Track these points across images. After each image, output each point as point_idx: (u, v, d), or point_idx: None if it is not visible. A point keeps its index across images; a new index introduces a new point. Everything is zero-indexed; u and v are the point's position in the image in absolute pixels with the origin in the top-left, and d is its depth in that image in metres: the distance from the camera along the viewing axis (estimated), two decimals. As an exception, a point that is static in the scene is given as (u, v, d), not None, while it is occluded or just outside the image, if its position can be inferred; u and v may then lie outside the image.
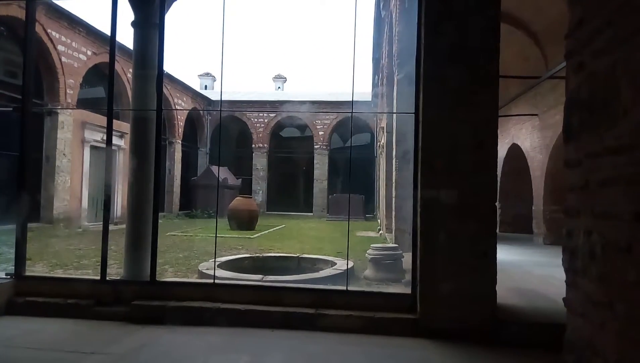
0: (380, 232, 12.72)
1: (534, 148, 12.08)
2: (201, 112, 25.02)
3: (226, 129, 28.35)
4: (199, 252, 8.84)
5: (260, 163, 26.19)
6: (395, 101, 8.41)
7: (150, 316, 4.29)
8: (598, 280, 0.87)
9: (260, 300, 4.44)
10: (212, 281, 4.69)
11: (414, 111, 4.46)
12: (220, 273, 5.25)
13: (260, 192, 25.43)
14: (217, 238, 7.51)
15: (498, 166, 10.39)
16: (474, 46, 4.13)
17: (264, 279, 5.22)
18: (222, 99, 27.45)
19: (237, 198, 15.66)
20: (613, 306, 0.84)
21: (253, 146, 26.60)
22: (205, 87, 35.70)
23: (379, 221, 18.56)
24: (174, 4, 5.14)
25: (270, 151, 26.80)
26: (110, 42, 4.55)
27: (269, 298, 4.46)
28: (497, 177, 4.20)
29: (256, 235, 12.74)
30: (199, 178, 22.16)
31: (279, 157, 27.95)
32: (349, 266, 6.12)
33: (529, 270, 6.98)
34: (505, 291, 4.07)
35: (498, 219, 11.41)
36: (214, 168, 22.20)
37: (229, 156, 27.75)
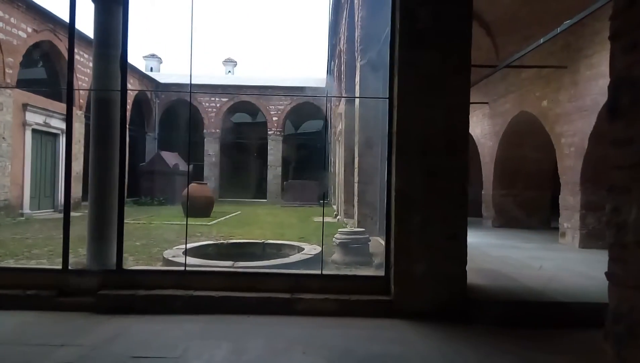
0: (337, 217, 12.84)
1: (485, 135, 12.57)
2: (149, 95, 24.05)
3: (175, 113, 27.46)
4: (156, 240, 8.57)
5: (212, 148, 25.63)
6: (357, 87, 8.44)
7: (118, 306, 4.12)
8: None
9: (234, 287, 4.37)
10: (182, 268, 4.56)
11: (387, 97, 4.49)
12: (189, 260, 5.11)
13: (213, 178, 24.92)
14: (174, 226, 7.30)
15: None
16: (448, 32, 4.21)
17: (234, 265, 5.14)
18: (171, 82, 26.58)
19: (192, 184, 15.29)
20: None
21: (205, 131, 25.94)
22: (151, 69, 34.28)
23: (334, 206, 18.72)
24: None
25: (222, 137, 26.24)
26: (69, 18, 4.24)
27: (243, 284, 4.40)
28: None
29: (213, 222, 12.51)
30: (148, 163, 21.41)
31: (231, 143, 27.44)
32: (316, 252, 6.14)
33: (485, 251, 7.31)
34: (470, 272, 4.24)
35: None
36: (165, 154, 21.53)
37: (179, 142, 26.94)
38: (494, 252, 7.29)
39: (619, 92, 1.07)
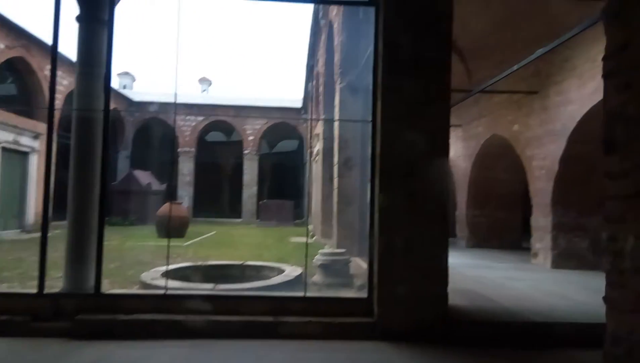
0: (314, 238, 12.83)
1: (458, 157, 12.87)
2: (122, 113, 23.72)
3: (149, 131, 27.13)
4: (131, 262, 8.36)
5: (186, 167, 25.35)
6: (337, 109, 8.57)
7: (97, 331, 4.01)
8: (657, 279, 0.99)
9: (217, 310, 4.32)
10: (162, 292, 4.47)
11: (370, 120, 4.59)
12: (168, 283, 5.02)
13: (187, 198, 24.58)
14: (148, 247, 7.16)
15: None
16: (428, 60, 4.35)
17: (216, 288, 5.07)
18: (145, 100, 26.31)
19: (167, 204, 15.06)
20: (678, 302, 0.96)
21: (179, 149, 25.66)
22: (125, 86, 33.89)
23: (310, 226, 18.70)
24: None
25: (197, 156, 25.99)
26: (53, 38, 4.20)
27: (226, 308, 4.34)
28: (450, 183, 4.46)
29: (188, 243, 12.30)
30: (120, 183, 20.96)
31: (206, 162, 27.20)
32: (297, 273, 6.13)
33: (461, 272, 7.42)
34: (449, 292, 4.32)
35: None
36: (137, 173, 21.13)
37: (152, 160, 26.54)
38: (470, 272, 7.41)
39: (614, 128, 1.15)
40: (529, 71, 8.77)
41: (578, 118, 7.47)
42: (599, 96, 6.92)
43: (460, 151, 12.74)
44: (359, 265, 6.67)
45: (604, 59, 1.21)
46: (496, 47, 9.77)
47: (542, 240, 8.53)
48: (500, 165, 11.50)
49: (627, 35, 1.13)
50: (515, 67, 7.00)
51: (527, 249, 9.58)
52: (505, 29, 9.20)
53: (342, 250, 6.60)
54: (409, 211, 4.27)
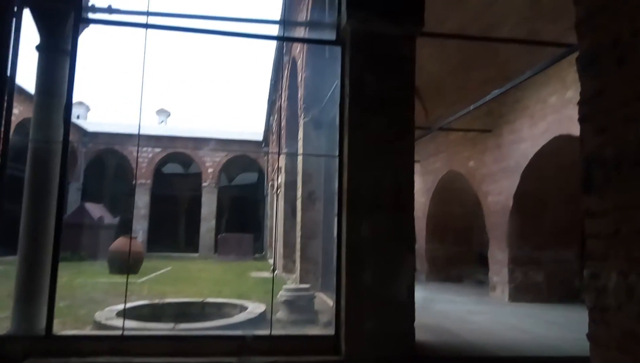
0: (275, 272, 12.62)
1: (417, 192, 13.12)
2: (75, 144, 22.92)
3: (102, 163, 26.32)
4: (82, 300, 7.91)
5: (142, 200, 24.58)
6: (301, 143, 8.64)
7: (46, 377, 3.72)
8: (641, 316, 1.03)
9: (178, 351, 4.11)
10: (119, 333, 4.24)
11: (337, 155, 4.64)
12: (124, 323, 4.75)
13: (141, 232, 23.73)
14: (100, 284, 6.82)
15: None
16: (393, 97, 4.48)
17: (176, 327, 4.85)
18: (100, 130, 25.60)
19: (120, 238, 14.47)
20: (665, 339, 1.00)
21: (134, 182, 24.93)
22: (78, 116, 32.93)
23: (270, 261, 18.43)
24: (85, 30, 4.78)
25: (153, 188, 25.31)
26: (10, 68, 4.03)
27: (187, 349, 4.15)
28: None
29: (143, 279, 11.80)
30: (71, 216, 20.02)
31: (162, 194, 26.51)
32: (260, 310, 5.98)
33: (424, 306, 7.47)
34: (415, 328, 4.33)
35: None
36: (89, 205, 20.31)
37: (105, 192, 25.63)
38: (432, 307, 7.48)
39: (592, 170, 1.22)
40: (482, 110, 9.17)
41: (530, 156, 7.85)
42: (549, 135, 7.33)
43: (419, 186, 13.05)
44: (324, 300, 6.59)
45: (579, 103, 1.28)
46: (451, 87, 10.23)
47: (499, 273, 8.75)
48: (457, 200, 11.85)
49: (601, 83, 1.21)
50: (471, 107, 7.33)
51: (484, 282, 9.79)
52: (459, 72, 9.68)
53: (307, 285, 6.51)
54: (377, 246, 4.29)
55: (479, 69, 8.97)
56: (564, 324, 6.31)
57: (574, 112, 6.06)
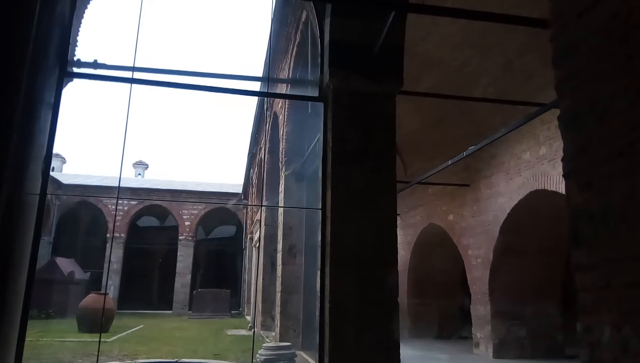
0: (252, 330, 12.20)
1: (398, 245, 13.16)
2: (49, 196, 22.41)
3: (75, 216, 25.68)
4: (48, 361, 7.46)
5: (115, 254, 23.87)
6: (282, 196, 8.63)
7: None
8: (637, 371, 1.03)
9: (150, 416, 3.87)
10: (88, 396, 3.97)
11: (320, 208, 4.64)
12: (93, 385, 4.48)
13: (113, 287, 22.87)
14: (67, 343, 6.47)
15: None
16: (375, 153, 4.58)
17: (149, 390, 4.58)
18: (74, 182, 25.21)
19: (91, 294, 13.92)
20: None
21: (108, 235, 24.28)
22: (53, 168, 32.46)
23: (247, 317, 17.86)
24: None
25: (127, 242, 24.68)
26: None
27: (161, 413, 3.91)
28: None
29: (113, 338, 11.23)
30: (40, 271, 19.22)
31: (136, 248, 25.82)
32: (239, 369, 5.72)
33: (407, 364, 7.28)
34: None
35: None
36: (59, 260, 19.60)
37: (77, 247, 24.84)
38: (416, 364, 7.29)
39: (579, 224, 1.25)
40: (459, 165, 9.42)
41: (508, 210, 8.00)
42: (525, 190, 7.53)
43: (399, 239, 13.05)
44: (305, 359, 6.36)
45: (563, 160, 1.33)
46: (428, 143, 10.53)
47: (482, 329, 8.65)
48: (438, 253, 11.86)
49: (583, 140, 1.27)
50: (449, 162, 7.51)
51: (467, 338, 9.64)
52: (436, 128, 10.01)
53: (287, 344, 6.29)
54: (360, 300, 4.22)
55: (455, 126, 9.29)
56: (549, 381, 6.21)
57: (548, 168, 6.29)
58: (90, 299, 13.36)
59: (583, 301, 1.22)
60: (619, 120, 1.11)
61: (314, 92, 5.12)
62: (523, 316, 8.33)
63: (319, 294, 4.46)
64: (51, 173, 23.22)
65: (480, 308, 8.75)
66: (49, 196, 21.80)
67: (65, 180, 24.37)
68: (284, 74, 8.71)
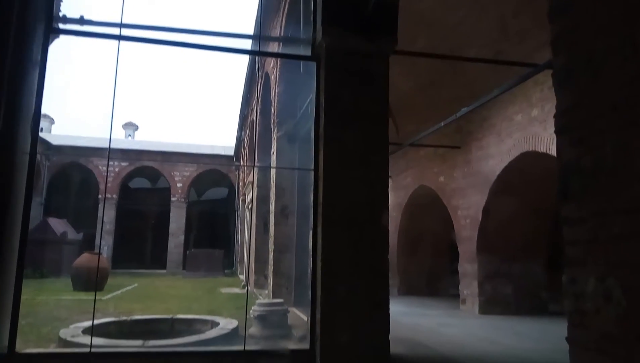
0: (245, 288, 12.45)
1: (388, 206, 13.30)
2: (38, 157, 22.18)
3: (66, 177, 25.52)
4: (45, 318, 7.59)
5: (107, 215, 23.88)
6: (274, 157, 8.63)
7: (7, 399, 3.55)
8: (620, 319, 1.08)
9: (148, 369, 4.00)
10: (86, 350, 4.08)
11: (312, 168, 4.66)
12: (89, 340, 4.58)
13: (106, 248, 23.03)
14: (63, 301, 6.58)
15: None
16: (368, 113, 4.56)
17: (145, 344, 4.71)
18: (64, 143, 24.87)
19: (85, 254, 14.00)
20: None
21: (99, 196, 24.22)
22: (42, 129, 31.95)
23: (241, 277, 18.17)
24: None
25: (119, 203, 24.67)
26: None
27: (158, 366, 4.04)
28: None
29: (108, 296, 11.43)
30: (32, 231, 19.25)
31: (129, 209, 25.85)
32: (233, 326, 5.88)
33: (396, 319, 7.43)
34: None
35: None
36: (52, 221, 19.60)
37: (68, 207, 24.82)
38: (405, 320, 7.51)
39: (569, 179, 1.27)
40: (451, 128, 9.41)
41: (498, 171, 8.08)
42: (516, 152, 7.58)
43: (391, 201, 13.13)
44: (297, 315, 6.54)
45: (556, 116, 1.35)
46: (421, 105, 10.47)
47: (469, 286, 8.90)
48: (428, 214, 12.03)
49: (577, 95, 1.28)
50: (441, 124, 7.51)
51: (455, 295, 9.93)
52: (429, 90, 9.93)
53: (280, 300, 6.45)
54: (352, 259, 4.31)
55: (448, 88, 9.22)
56: (533, 335, 6.46)
57: (539, 129, 6.31)
58: (84, 258, 13.48)
59: (570, 254, 1.27)
60: (614, 75, 1.12)
61: (307, 51, 5.03)
62: (509, 274, 8.57)
63: (311, 253, 4.54)
64: (40, 134, 22.78)
65: (468, 267, 8.97)
66: (38, 157, 21.63)
67: (54, 141, 24.01)
68: (276, 32, 8.52)
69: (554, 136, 1.39)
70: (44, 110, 31.31)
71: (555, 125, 1.34)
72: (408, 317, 7.84)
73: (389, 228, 4.32)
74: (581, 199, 1.22)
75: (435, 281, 12.18)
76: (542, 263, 8.85)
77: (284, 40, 7.70)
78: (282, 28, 7.88)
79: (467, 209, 9.11)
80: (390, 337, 4.32)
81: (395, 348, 4.92)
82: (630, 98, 1.08)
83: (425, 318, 7.82)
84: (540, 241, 8.86)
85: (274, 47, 8.90)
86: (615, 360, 1.09)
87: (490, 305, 8.42)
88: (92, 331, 4.42)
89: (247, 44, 9.28)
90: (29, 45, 4.33)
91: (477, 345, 5.70)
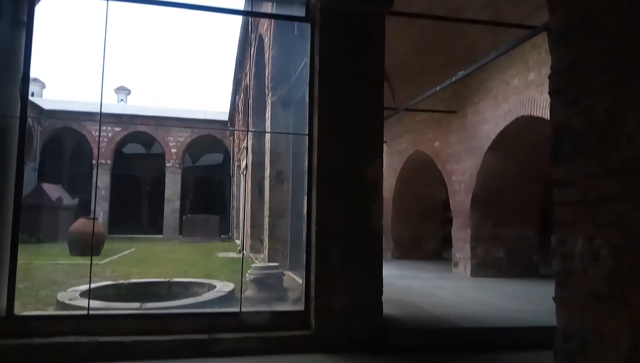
0: (241, 252, 12.60)
1: (384, 171, 13.32)
2: (30, 122, 21.90)
3: (60, 142, 25.31)
4: (43, 282, 7.68)
5: (102, 180, 23.82)
6: (269, 122, 8.56)
7: (9, 358, 3.63)
8: (606, 278, 1.10)
9: (145, 330, 4.08)
10: (84, 312, 4.15)
11: (307, 133, 4.63)
12: (87, 303, 4.66)
13: (102, 213, 23.10)
14: (60, 265, 6.65)
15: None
16: (363, 76, 4.50)
17: (142, 307, 4.79)
18: (56, 108, 24.52)
19: (80, 219, 14.06)
20: (625, 299, 1.06)
21: (94, 162, 24.09)
22: (33, 93, 31.42)
23: (237, 241, 18.36)
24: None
25: (113, 168, 24.57)
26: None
27: (155, 327, 4.12)
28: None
29: (105, 260, 11.55)
30: (27, 197, 19.23)
31: (123, 175, 25.79)
32: (229, 289, 5.98)
33: (390, 282, 7.60)
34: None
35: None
36: (46, 186, 19.55)
37: (63, 173, 24.73)
38: (398, 282, 7.65)
39: (561, 140, 1.27)
40: (447, 92, 9.33)
41: (493, 136, 8.07)
42: (512, 116, 7.54)
43: (385, 166, 13.13)
44: (292, 278, 6.65)
45: (550, 77, 1.33)
46: (417, 69, 10.31)
47: (462, 250, 9.04)
48: (423, 179, 12.07)
49: (572, 55, 1.26)
50: (437, 88, 7.44)
51: (448, 259, 10.10)
52: (425, 53, 9.76)
53: (275, 264, 6.55)
54: (346, 223, 4.35)
55: (445, 51, 9.07)
56: (523, 297, 6.61)
57: (536, 93, 6.26)
58: (80, 223, 13.54)
59: (559, 215, 1.28)
60: (609, 34, 1.09)
61: (301, 12, 4.91)
62: (501, 238, 8.70)
63: (305, 218, 4.58)
64: (31, 98, 22.41)
65: (461, 231, 9.09)
66: (30, 121, 21.34)
67: (46, 105, 23.67)
68: (270, -8, 8.28)
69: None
70: (35, 74, 30.74)
71: (550, 86, 1.33)
72: (401, 280, 7.98)
73: (384, 193, 4.36)
74: (572, 161, 1.22)
75: (429, 245, 12.36)
76: (534, 227, 8.97)
77: (278, 0, 7.49)
78: (276, -12, 7.65)
79: (462, 174, 9.14)
80: (384, 298, 4.42)
81: (388, 310, 5.04)
82: (623, 58, 1.06)
83: (418, 281, 7.97)
84: (534, 206, 8.95)
85: (267, 8, 8.68)
86: (600, 317, 1.12)
87: (482, 268, 8.58)
88: (89, 293, 4.49)
89: (240, 4, 9.03)
90: (13, 4, 4.20)
91: (469, 306, 5.83)
